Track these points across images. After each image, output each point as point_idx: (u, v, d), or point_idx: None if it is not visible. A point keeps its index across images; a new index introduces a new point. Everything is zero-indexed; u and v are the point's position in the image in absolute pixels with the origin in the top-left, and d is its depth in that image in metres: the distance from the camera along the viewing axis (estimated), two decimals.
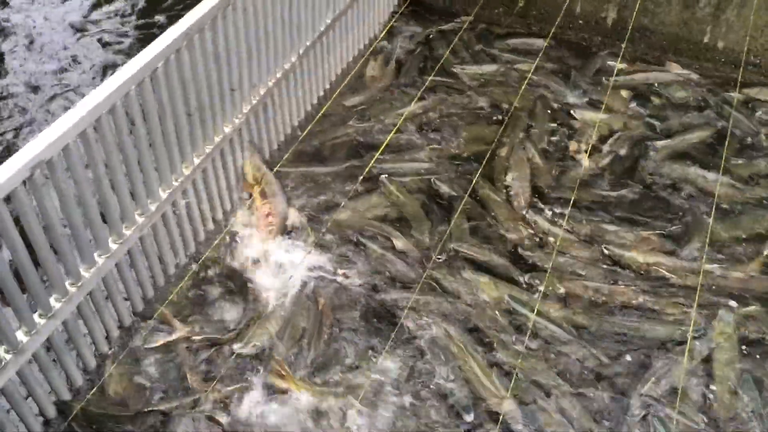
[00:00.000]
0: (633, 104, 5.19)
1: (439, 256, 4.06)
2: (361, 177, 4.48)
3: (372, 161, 4.55)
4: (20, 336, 2.98)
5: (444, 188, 4.51)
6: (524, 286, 3.95)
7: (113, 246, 3.38)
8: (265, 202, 4.15)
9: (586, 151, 4.73)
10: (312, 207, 4.37)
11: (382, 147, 4.64)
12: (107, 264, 3.36)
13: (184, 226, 3.97)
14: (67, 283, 3.16)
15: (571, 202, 4.34)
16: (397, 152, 4.74)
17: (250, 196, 4.24)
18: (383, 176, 4.54)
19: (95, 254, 3.30)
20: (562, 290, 3.92)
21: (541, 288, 3.89)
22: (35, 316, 3.05)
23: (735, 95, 5.19)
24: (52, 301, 3.10)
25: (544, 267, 4.01)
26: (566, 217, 4.27)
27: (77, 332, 3.35)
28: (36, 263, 2.96)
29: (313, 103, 5.12)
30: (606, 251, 4.12)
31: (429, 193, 4.51)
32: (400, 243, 4.12)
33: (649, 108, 5.16)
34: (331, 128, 4.95)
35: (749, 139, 4.91)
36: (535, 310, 3.74)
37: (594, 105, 5.17)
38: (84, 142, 3.00)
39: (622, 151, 4.80)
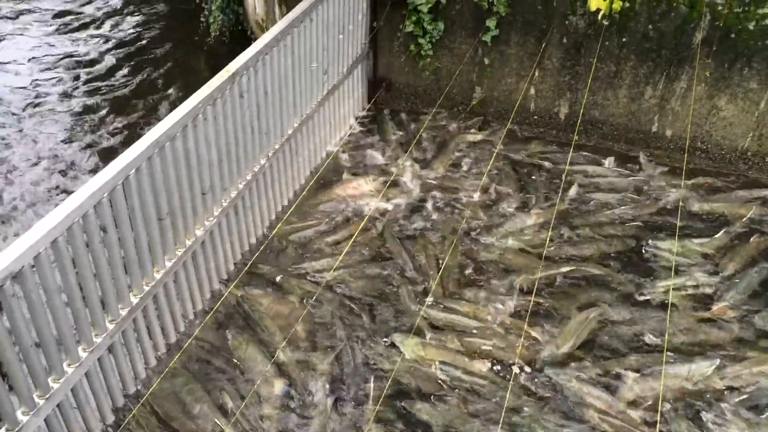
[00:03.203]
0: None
1: None
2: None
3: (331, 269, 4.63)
4: None
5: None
6: None
7: (83, 354, 3.34)
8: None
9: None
10: None
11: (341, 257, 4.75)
12: (77, 373, 3.30)
13: (154, 330, 3.95)
14: (35, 395, 3.09)
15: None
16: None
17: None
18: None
19: (64, 364, 3.25)
20: None
21: None
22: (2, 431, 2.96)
23: None
24: (19, 414, 3.02)
25: None
26: None
27: None
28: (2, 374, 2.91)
29: (283, 203, 5.24)
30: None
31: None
32: None
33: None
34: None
35: None
36: None
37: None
38: (55, 252, 3.03)
39: None
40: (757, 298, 4.48)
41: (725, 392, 3.89)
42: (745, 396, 3.87)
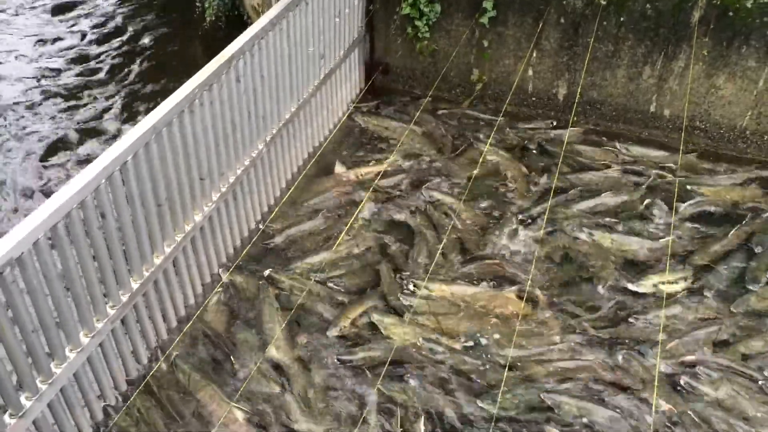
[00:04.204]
0: None
1: None
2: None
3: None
4: None
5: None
6: None
7: (84, 340, 3.36)
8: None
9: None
10: None
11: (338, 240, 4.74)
12: (79, 359, 3.33)
13: (155, 315, 3.97)
14: (38, 381, 3.12)
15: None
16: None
17: None
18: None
19: (66, 349, 3.27)
20: None
21: None
22: (6, 417, 2.99)
23: None
24: (22, 399, 3.04)
25: None
26: None
27: (47, 430, 3.27)
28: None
29: (281, 187, 5.24)
30: None
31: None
32: None
33: None
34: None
35: None
36: None
37: None
38: (55, 238, 3.04)
39: None
40: (737, 284, 4.52)
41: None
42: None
